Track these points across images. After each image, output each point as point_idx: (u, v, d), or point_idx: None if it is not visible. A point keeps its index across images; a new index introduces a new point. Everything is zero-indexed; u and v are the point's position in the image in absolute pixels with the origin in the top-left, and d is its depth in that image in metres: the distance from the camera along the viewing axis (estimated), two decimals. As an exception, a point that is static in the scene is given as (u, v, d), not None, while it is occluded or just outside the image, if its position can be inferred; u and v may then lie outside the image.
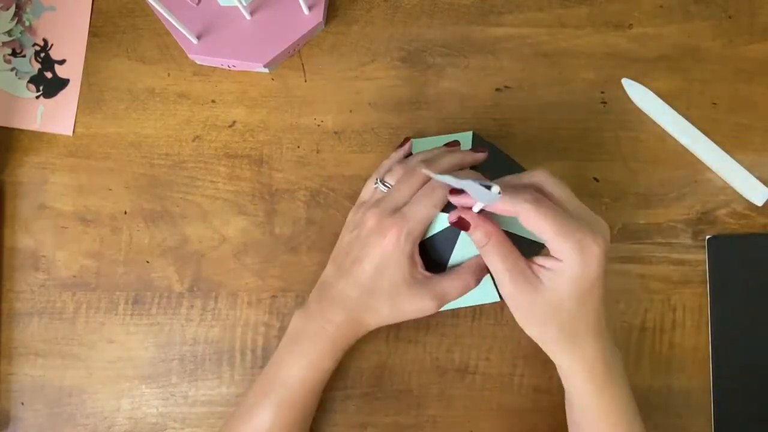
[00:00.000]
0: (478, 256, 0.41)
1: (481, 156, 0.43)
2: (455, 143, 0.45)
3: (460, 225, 0.38)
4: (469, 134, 0.46)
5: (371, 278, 0.40)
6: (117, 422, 0.47)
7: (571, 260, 0.35)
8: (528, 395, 0.47)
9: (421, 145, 0.47)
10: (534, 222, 0.35)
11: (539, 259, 0.37)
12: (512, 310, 0.38)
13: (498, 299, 0.43)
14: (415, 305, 0.40)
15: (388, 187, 0.42)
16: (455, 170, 0.42)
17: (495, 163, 0.44)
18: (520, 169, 0.44)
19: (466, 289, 0.41)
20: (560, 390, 0.47)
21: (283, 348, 0.42)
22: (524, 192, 0.35)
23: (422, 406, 0.47)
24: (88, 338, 0.48)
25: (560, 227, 0.34)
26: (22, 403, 0.47)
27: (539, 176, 0.37)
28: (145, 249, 0.48)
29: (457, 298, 0.41)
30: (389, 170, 0.43)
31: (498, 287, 0.38)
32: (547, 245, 0.36)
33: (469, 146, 0.46)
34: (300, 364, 0.41)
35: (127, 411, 0.47)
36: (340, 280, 0.41)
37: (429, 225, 0.40)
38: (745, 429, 0.47)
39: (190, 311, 0.48)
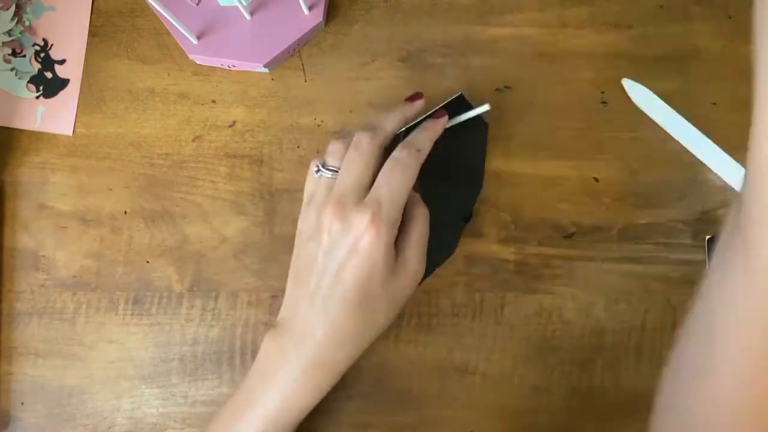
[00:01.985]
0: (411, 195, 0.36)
1: (440, 120, 0.39)
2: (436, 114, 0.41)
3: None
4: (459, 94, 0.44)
5: (361, 294, 0.33)
6: (117, 422, 0.47)
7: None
8: (528, 395, 0.47)
9: None
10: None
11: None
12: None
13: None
14: (407, 286, 0.35)
15: (335, 172, 0.36)
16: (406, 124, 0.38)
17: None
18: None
19: (425, 228, 0.37)
20: (560, 390, 0.47)
21: (253, 377, 0.37)
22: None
23: (422, 406, 0.47)
24: (88, 338, 0.48)
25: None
26: (22, 403, 0.47)
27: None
28: (145, 249, 0.48)
29: (423, 242, 0.36)
30: (329, 152, 0.38)
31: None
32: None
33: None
34: (270, 399, 0.36)
35: (127, 411, 0.47)
36: (318, 307, 0.34)
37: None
38: (745, 429, 0.47)
39: (190, 311, 0.48)
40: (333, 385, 0.37)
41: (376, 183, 0.34)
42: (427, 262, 0.38)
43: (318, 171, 0.37)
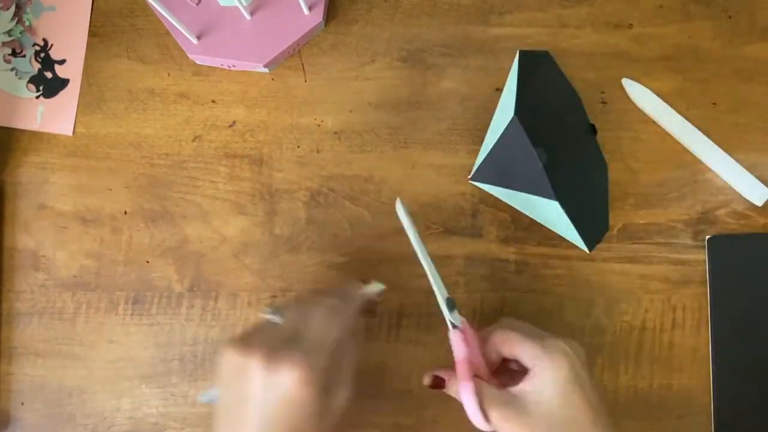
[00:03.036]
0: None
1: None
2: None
3: (436, 382, 0.39)
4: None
5: None
6: (117, 422, 0.47)
7: (541, 362, 0.36)
8: (528, 395, 0.47)
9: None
10: (507, 337, 0.38)
11: (514, 388, 0.36)
12: None
13: (587, 250, 0.44)
14: (336, 415, 0.34)
15: (282, 318, 0.36)
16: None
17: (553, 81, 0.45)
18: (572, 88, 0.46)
19: (353, 361, 0.36)
20: (560, 390, 0.47)
21: None
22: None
23: (422, 406, 0.47)
24: (88, 338, 0.48)
25: (528, 337, 0.37)
26: (22, 403, 0.47)
27: (505, 321, 0.41)
28: (145, 249, 0.48)
29: (351, 374, 0.36)
30: (288, 304, 0.38)
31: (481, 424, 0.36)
32: (520, 359, 0.37)
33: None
34: None
35: (127, 411, 0.47)
36: None
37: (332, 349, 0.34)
38: (745, 429, 0.47)
39: (190, 311, 0.48)
40: None
41: (310, 327, 0.34)
42: (589, 239, 0.43)
43: (270, 315, 0.37)
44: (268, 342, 0.33)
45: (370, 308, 0.39)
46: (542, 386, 0.36)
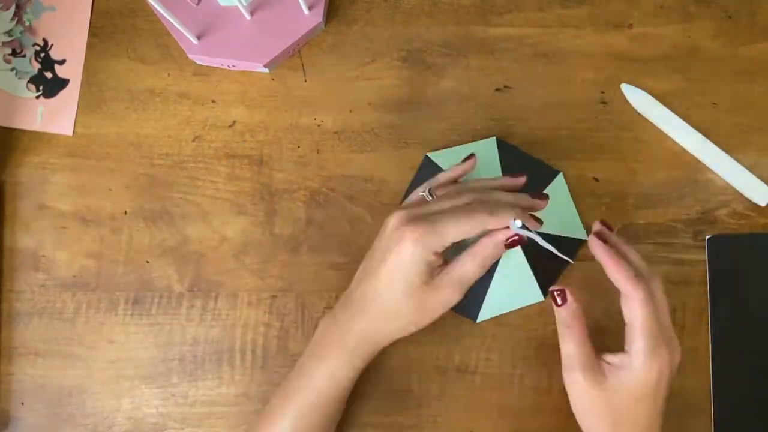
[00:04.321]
0: (487, 236, 0.40)
1: (522, 181, 0.44)
2: (516, 175, 0.44)
3: (559, 296, 0.41)
4: (493, 140, 0.48)
5: (387, 283, 0.39)
6: (117, 422, 0.47)
7: (640, 361, 0.38)
8: (528, 395, 0.47)
9: (440, 158, 0.47)
10: (636, 309, 0.38)
11: (608, 356, 0.40)
12: (573, 397, 0.41)
13: (542, 299, 0.47)
14: (436, 300, 0.39)
15: (433, 198, 0.42)
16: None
17: (521, 166, 0.47)
18: (546, 169, 0.48)
19: (482, 269, 0.40)
20: (560, 390, 0.47)
21: (306, 353, 0.42)
22: (643, 281, 0.38)
23: (422, 406, 0.47)
24: (88, 338, 0.48)
25: (651, 328, 0.38)
26: (22, 403, 0.47)
27: (655, 279, 0.40)
28: (145, 249, 0.48)
29: (474, 278, 0.40)
30: (442, 184, 0.44)
31: (564, 370, 0.41)
32: (627, 336, 0.39)
33: (495, 151, 0.47)
34: (320, 373, 0.41)
35: (127, 411, 0.47)
36: (361, 283, 0.41)
37: (453, 244, 0.39)
38: (745, 429, 0.47)
39: (190, 311, 0.48)
40: (369, 357, 0.42)
41: (443, 213, 0.39)
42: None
43: (424, 192, 0.43)
44: (403, 213, 0.40)
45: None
46: (626, 375, 0.38)
